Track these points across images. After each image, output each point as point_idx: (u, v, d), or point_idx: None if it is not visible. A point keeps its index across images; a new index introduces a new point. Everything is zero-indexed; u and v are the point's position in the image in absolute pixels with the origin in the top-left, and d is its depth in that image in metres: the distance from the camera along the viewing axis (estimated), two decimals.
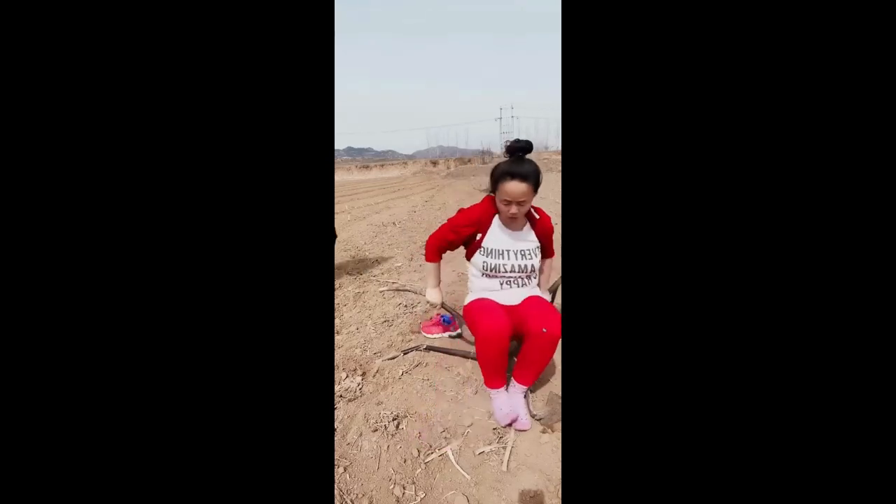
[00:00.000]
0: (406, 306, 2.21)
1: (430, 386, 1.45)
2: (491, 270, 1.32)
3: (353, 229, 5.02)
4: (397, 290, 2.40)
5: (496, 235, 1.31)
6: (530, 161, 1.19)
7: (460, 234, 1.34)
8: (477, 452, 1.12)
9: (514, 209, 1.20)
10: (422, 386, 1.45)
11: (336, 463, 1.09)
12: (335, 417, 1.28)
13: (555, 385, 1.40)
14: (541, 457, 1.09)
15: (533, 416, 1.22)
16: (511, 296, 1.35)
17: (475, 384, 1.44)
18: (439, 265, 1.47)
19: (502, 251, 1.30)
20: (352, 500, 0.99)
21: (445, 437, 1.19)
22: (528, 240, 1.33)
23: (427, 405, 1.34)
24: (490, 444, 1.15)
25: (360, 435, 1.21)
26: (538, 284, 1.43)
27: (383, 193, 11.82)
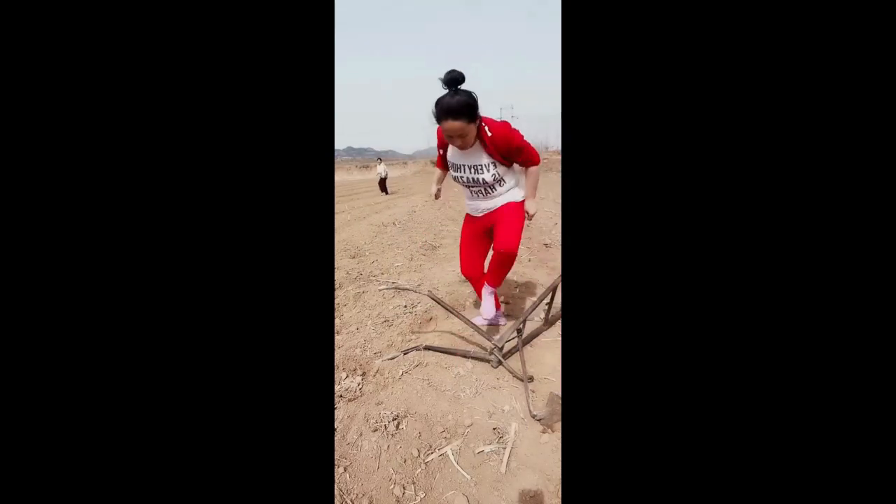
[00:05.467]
0: (406, 306, 2.21)
1: (430, 386, 1.45)
2: (455, 179, 1.58)
3: (353, 229, 5.02)
4: (397, 288, 2.40)
5: (454, 152, 1.51)
6: (464, 92, 1.27)
7: (440, 152, 1.59)
8: (477, 452, 1.12)
9: (457, 142, 1.37)
10: (422, 386, 1.45)
11: (336, 463, 1.09)
12: (335, 417, 1.28)
13: (555, 385, 1.40)
14: (541, 457, 1.09)
15: (533, 416, 1.23)
16: (480, 205, 1.61)
17: (475, 384, 1.44)
18: (442, 172, 1.73)
19: (459, 165, 1.51)
20: (352, 500, 0.99)
21: (445, 437, 1.19)
22: (478, 157, 1.46)
23: (427, 405, 1.34)
24: (490, 444, 1.15)
25: (360, 435, 1.21)
26: (525, 196, 1.59)
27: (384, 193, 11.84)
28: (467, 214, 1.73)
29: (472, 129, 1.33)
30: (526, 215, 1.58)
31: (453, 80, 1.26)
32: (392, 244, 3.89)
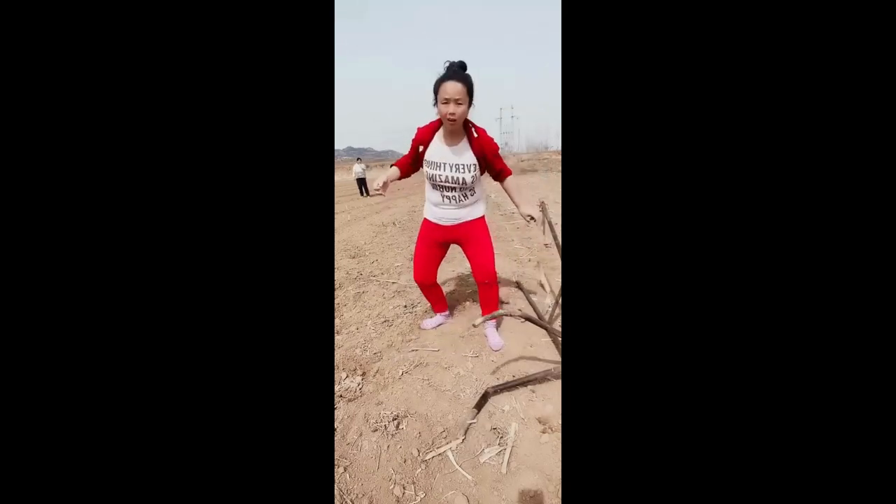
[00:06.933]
0: (406, 306, 2.21)
1: (430, 386, 1.45)
2: (430, 179, 1.54)
3: (353, 229, 5.02)
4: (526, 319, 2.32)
5: (436, 148, 1.49)
6: (465, 74, 1.35)
7: (412, 150, 1.55)
8: (477, 452, 1.12)
9: (451, 107, 1.33)
10: (422, 386, 1.45)
11: (336, 463, 1.09)
12: (335, 417, 1.28)
13: (555, 385, 1.40)
14: (541, 457, 1.09)
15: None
16: (448, 213, 1.58)
17: (475, 384, 1.44)
18: (400, 176, 1.59)
19: (440, 163, 1.49)
20: (352, 500, 0.99)
21: (445, 437, 1.19)
22: (464, 155, 1.47)
23: (427, 405, 1.34)
24: (490, 444, 1.15)
25: (360, 435, 1.21)
26: (516, 204, 1.58)
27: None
28: (426, 221, 1.67)
29: (466, 107, 1.36)
30: (528, 219, 1.57)
31: (456, 64, 1.36)
32: (392, 244, 3.89)
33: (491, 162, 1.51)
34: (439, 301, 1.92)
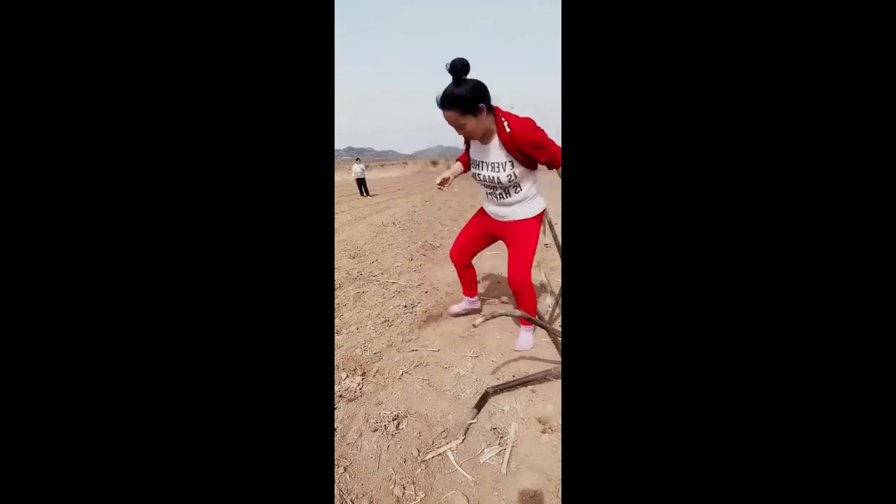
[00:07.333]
0: (406, 306, 2.21)
1: (430, 386, 1.45)
2: (473, 176, 1.52)
3: (353, 229, 5.02)
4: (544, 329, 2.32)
5: (474, 146, 1.46)
6: (467, 82, 1.23)
7: (466, 145, 1.51)
8: (477, 452, 1.12)
9: (459, 132, 1.33)
10: (422, 386, 1.45)
11: (336, 463, 1.09)
12: (335, 417, 1.28)
13: (555, 385, 1.40)
14: (541, 457, 1.09)
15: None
16: (492, 208, 1.55)
17: (475, 384, 1.44)
18: (463, 171, 1.61)
19: (478, 162, 1.45)
20: (352, 500, 0.99)
21: (445, 437, 1.19)
22: (495, 155, 1.39)
23: (427, 405, 1.34)
24: (490, 444, 1.15)
25: (360, 435, 1.21)
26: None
27: (385, 193, 11.83)
28: (482, 207, 1.64)
29: (471, 120, 1.27)
30: None
31: (454, 68, 1.21)
32: (392, 244, 3.89)
33: (532, 154, 1.34)
34: (470, 285, 1.86)
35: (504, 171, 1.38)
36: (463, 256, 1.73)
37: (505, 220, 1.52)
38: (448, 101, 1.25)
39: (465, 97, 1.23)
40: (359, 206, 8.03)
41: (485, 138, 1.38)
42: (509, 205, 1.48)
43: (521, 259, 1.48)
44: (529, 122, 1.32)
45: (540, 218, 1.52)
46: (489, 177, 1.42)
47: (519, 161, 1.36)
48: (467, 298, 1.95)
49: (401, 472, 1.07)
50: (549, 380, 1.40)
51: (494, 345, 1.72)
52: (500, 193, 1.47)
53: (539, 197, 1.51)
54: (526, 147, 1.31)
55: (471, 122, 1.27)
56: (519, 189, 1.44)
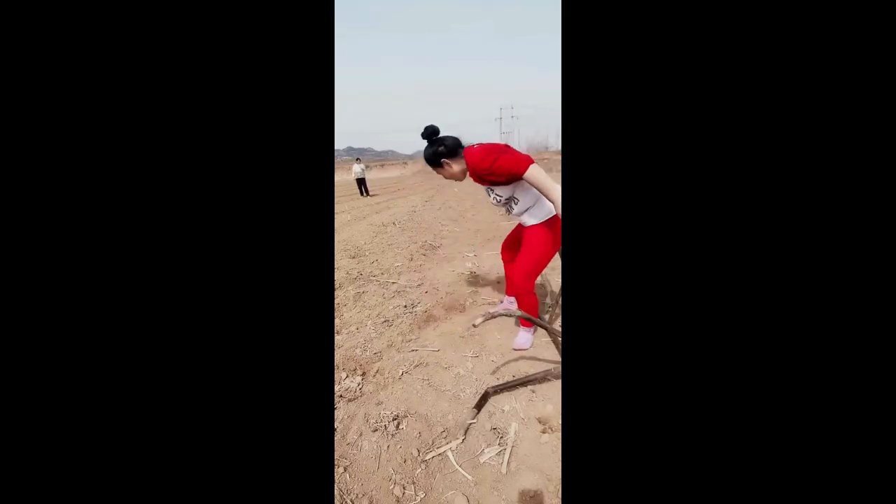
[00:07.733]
0: (406, 306, 2.21)
1: (430, 386, 1.45)
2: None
3: (353, 229, 5.02)
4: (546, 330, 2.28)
5: None
6: (433, 143, 1.47)
7: None
8: (477, 452, 1.12)
9: (451, 180, 1.57)
10: (422, 386, 1.45)
11: (336, 463, 1.09)
12: (335, 417, 1.28)
13: (555, 385, 1.40)
14: (541, 457, 1.09)
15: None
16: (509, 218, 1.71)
17: (475, 384, 1.44)
18: None
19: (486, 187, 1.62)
20: (352, 500, 0.99)
21: (445, 437, 1.19)
22: (479, 185, 1.59)
23: (427, 405, 1.34)
24: (490, 444, 1.15)
25: (360, 435, 1.21)
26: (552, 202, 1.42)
27: (384, 193, 11.83)
28: None
29: (449, 169, 1.50)
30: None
31: (424, 134, 1.48)
32: (392, 244, 3.89)
33: (491, 181, 1.43)
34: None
35: (492, 194, 1.57)
36: (507, 250, 1.90)
37: (523, 224, 1.65)
38: (425, 160, 1.54)
39: (431, 157, 1.50)
40: (359, 206, 8.03)
41: (465, 174, 1.56)
42: (518, 214, 1.60)
43: (523, 264, 1.56)
44: (478, 154, 1.41)
45: (551, 223, 1.51)
46: (491, 198, 1.62)
47: (495, 184, 1.49)
48: (507, 298, 2.00)
49: (401, 472, 1.07)
50: (549, 380, 1.40)
51: (494, 345, 1.72)
52: (507, 208, 1.62)
53: (543, 203, 1.52)
54: (483, 175, 1.44)
55: (445, 171, 1.52)
56: (517, 201, 1.55)
